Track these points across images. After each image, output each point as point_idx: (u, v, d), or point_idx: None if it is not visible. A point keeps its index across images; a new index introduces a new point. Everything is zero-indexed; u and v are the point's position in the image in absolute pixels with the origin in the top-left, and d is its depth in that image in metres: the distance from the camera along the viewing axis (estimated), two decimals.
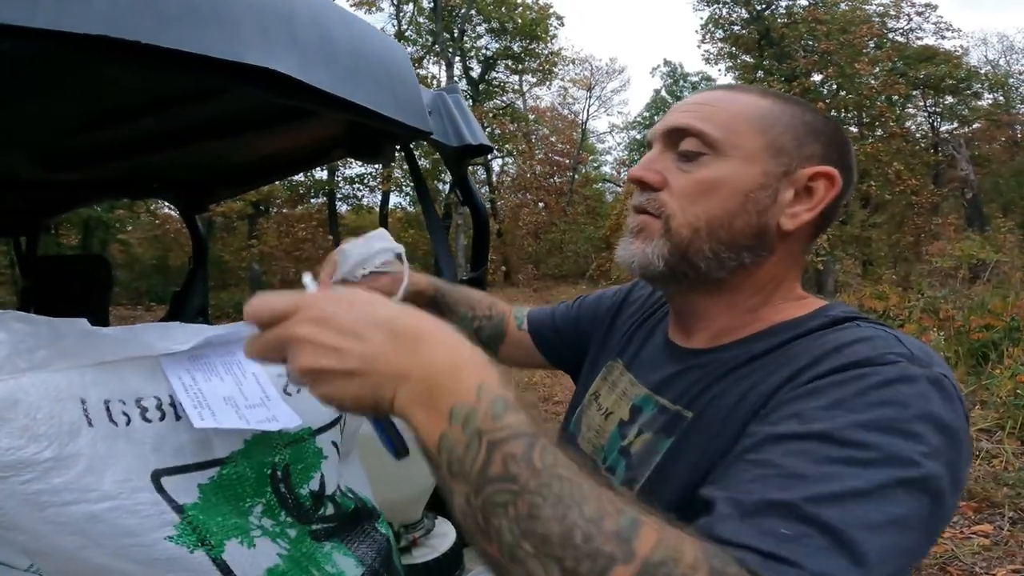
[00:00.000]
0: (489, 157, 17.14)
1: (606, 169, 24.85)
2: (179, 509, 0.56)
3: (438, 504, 1.86)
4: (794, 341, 0.56)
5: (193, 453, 0.59)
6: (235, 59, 0.67)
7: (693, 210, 0.59)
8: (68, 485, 0.50)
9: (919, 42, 16.11)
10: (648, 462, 0.60)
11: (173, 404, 0.59)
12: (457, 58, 17.79)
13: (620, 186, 21.75)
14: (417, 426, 0.41)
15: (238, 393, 0.63)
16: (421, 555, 1.61)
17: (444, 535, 1.74)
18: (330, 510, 0.69)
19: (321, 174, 16.53)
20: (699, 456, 0.54)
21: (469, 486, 0.39)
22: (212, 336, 0.64)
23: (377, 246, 0.69)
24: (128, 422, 0.56)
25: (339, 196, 17.79)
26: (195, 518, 0.57)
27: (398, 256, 0.72)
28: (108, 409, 0.55)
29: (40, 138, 1.40)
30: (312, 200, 17.93)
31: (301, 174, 15.73)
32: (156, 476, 0.56)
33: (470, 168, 1.51)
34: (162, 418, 0.58)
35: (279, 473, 0.65)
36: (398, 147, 1.38)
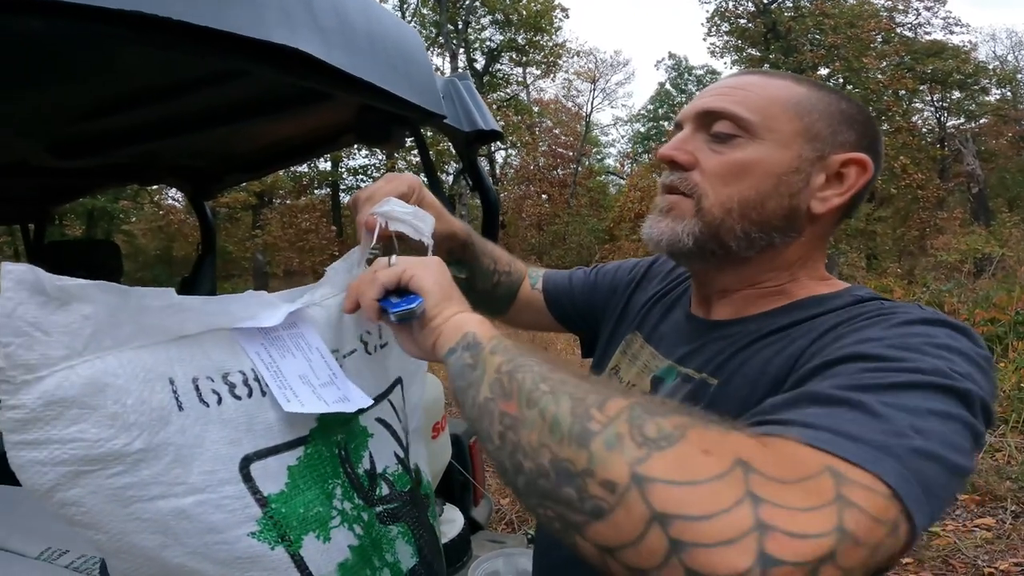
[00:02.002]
0: (493, 149, 17.10)
1: (609, 162, 24.76)
2: (263, 502, 0.53)
3: (446, 491, 1.88)
4: (821, 316, 0.57)
5: (281, 432, 0.56)
6: (262, 38, 0.67)
7: (726, 191, 0.60)
8: (156, 477, 0.46)
9: (927, 37, 16.00)
10: None
11: (257, 379, 0.55)
12: (461, 50, 17.70)
13: (624, 179, 21.69)
14: (477, 329, 0.54)
15: (310, 371, 0.60)
16: None
17: (452, 521, 1.76)
18: (385, 490, 0.67)
19: (325, 165, 16.54)
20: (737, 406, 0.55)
21: (507, 356, 0.49)
22: (295, 308, 0.60)
23: (423, 227, 0.68)
24: (219, 401, 0.52)
25: (343, 187, 17.78)
26: (277, 511, 0.54)
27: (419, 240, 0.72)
28: (197, 388, 0.51)
29: (53, 124, 1.40)
30: (316, 191, 17.94)
31: (305, 165, 15.72)
32: (247, 461, 0.53)
33: None
34: (250, 395, 0.54)
35: (342, 452, 0.63)
36: (407, 132, 1.38)
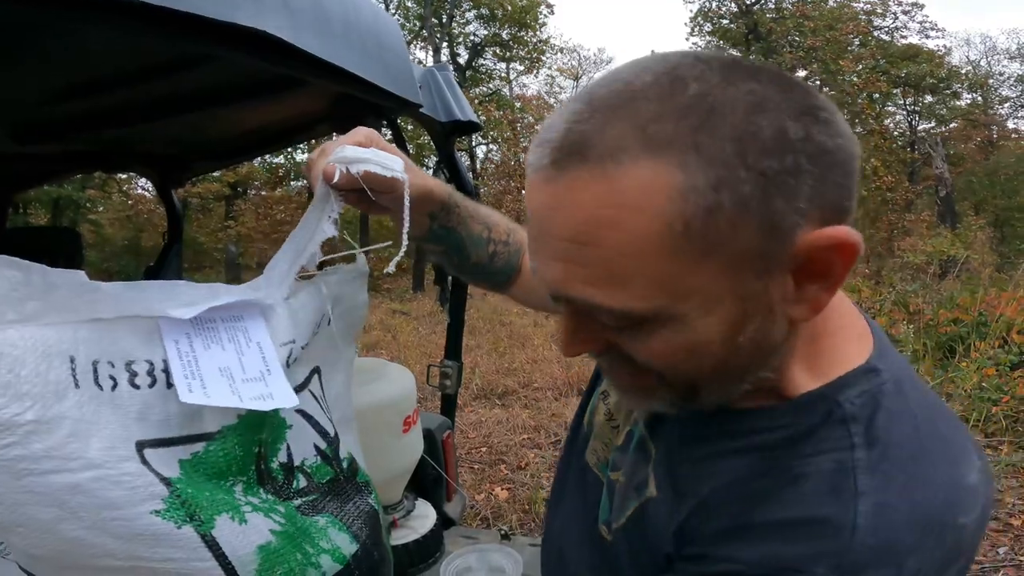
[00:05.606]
0: (474, 143, 17.05)
1: None
2: (167, 482, 0.52)
3: (418, 486, 1.87)
4: (771, 452, 0.45)
5: (180, 426, 0.55)
6: (226, 20, 0.64)
7: (682, 369, 0.44)
8: (50, 452, 0.46)
9: (903, 41, 16.41)
10: (621, 514, 0.56)
11: (167, 371, 0.54)
12: (444, 44, 17.57)
13: None
14: None
15: (236, 364, 0.58)
16: (401, 536, 1.60)
17: (424, 517, 1.74)
18: (303, 482, 0.66)
19: (301, 156, 16.28)
20: (653, 537, 0.51)
21: None
22: (221, 303, 0.59)
23: (390, 163, 0.60)
24: (114, 386, 0.51)
25: None
26: (183, 491, 0.53)
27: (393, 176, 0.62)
28: (95, 370, 0.51)
29: (14, 108, 1.35)
30: (292, 183, 17.67)
31: (281, 156, 15.47)
32: (139, 447, 0.52)
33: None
34: (152, 385, 0.54)
35: (262, 450, 0.62)
36: (384, 123, 1.36)
